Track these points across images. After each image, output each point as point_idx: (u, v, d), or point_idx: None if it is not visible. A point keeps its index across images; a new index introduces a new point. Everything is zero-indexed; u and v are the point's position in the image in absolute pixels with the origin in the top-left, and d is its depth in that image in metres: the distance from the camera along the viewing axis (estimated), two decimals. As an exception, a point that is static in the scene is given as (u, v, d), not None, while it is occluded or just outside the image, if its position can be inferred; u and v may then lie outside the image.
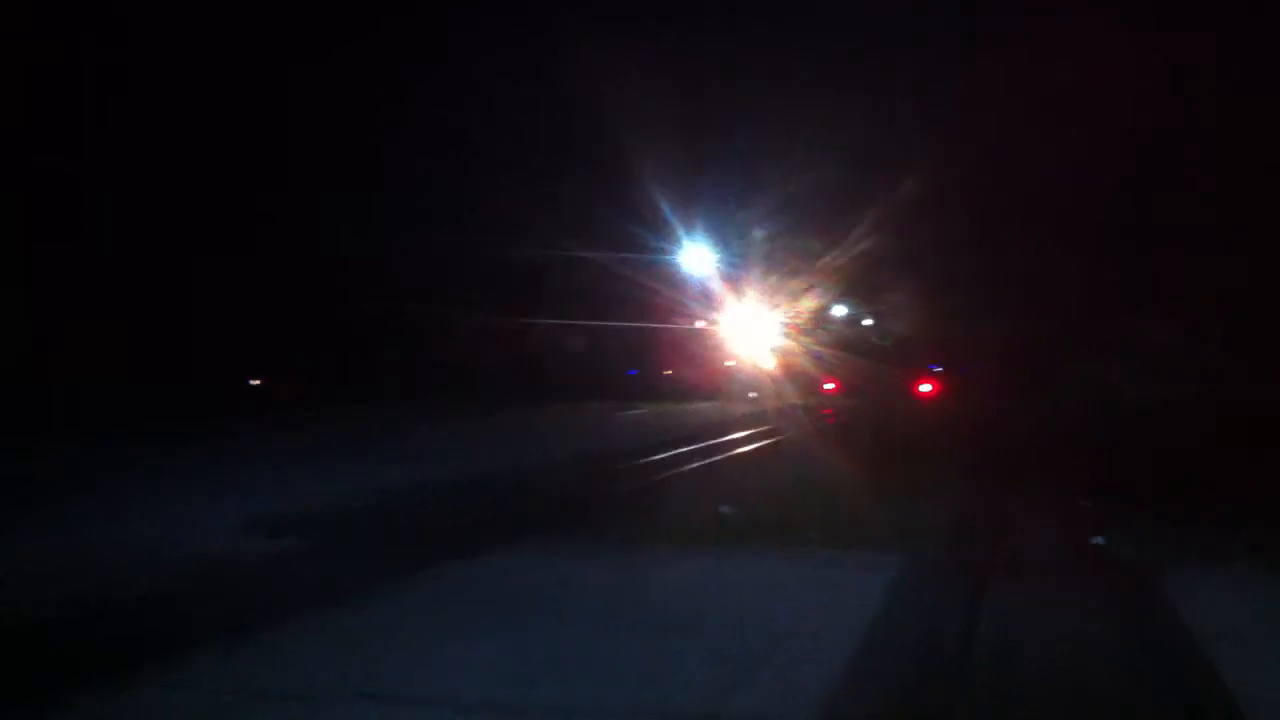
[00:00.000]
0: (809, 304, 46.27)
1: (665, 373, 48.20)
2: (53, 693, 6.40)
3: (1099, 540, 11.54)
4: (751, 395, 43.06)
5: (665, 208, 35.01)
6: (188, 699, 6.28)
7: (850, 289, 50.74)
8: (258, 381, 41.23)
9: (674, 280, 39.56)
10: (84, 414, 28.24)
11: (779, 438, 27.22)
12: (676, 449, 22.86)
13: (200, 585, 9.97)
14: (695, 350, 44.76)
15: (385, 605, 8.63)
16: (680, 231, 37.01)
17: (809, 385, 47.10)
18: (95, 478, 18.76)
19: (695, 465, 20.55)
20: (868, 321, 59.16)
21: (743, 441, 25.89)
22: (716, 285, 40.80)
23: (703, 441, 24.74)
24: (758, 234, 38.05)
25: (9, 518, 14.23)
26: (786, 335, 46.21)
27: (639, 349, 46.49)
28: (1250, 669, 6.65)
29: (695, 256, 39.47)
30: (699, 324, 43.14)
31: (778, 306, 44.21)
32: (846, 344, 52.73)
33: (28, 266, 28.25)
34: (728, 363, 44.63)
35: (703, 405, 39.90)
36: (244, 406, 35.02)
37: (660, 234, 36.55)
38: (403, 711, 5.99)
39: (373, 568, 10.39)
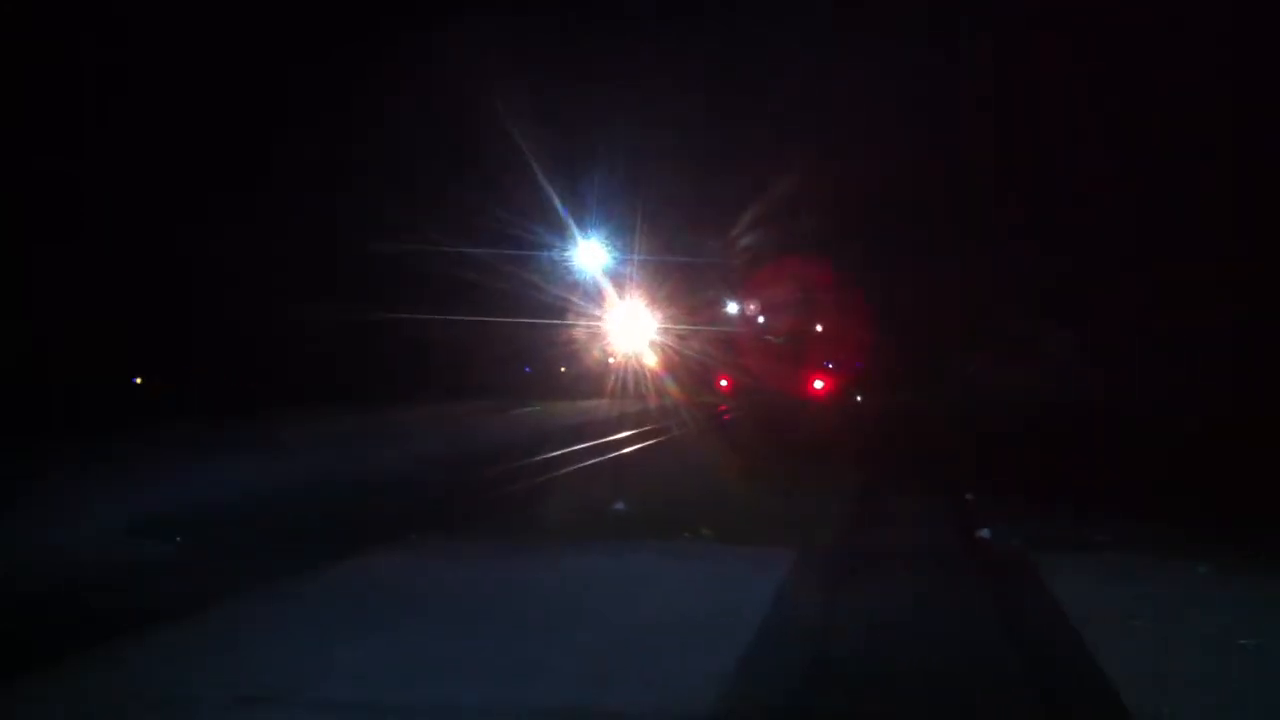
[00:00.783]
0: (701, 301, 46.48)
1: (560, 370, 47.77)
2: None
3: (984, 533, 11.70)
4: (644, 393, 42.97)
5: (555, 205, 34.72)
6: (69, 699, 6.08)
7: (742, 286, 51.20)
8: (139, 380, 39.78)
9: (564, 278, 39.27)
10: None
11: (672, 434, 27.18)
12: (567, 446, 22.61)
13: (73, 587, 9.62)
14: (587, 348, 44.46)
15: (259, 607, 8.33)
16: (572, 228, 36.79)
17: (703, 382, 47.29)
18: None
19: (587, 463, 20.33)
20: (760, 319, 59.79)
21: (635, 439, 25.76)
22: (607, 283, 40.64)
23: (595, 439, 24.53)
24: (646, 232, 37.88)
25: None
26: (678, 333, 46.39)
27: (530, 347, 45.98)
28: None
29: (587, 253, 39.22)
30: (590, 322, 42.85)
31: (669, 304, 44.29)
32: (739, 341, 53.15)
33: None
34: (618, 360, 44.38)
35: (597, 403, 39.60)
36: (119, 406, 33.64)
37: (552, 230, 36.28)
38: (276, 713, 5.77)
39: (245, 569, 9.92)
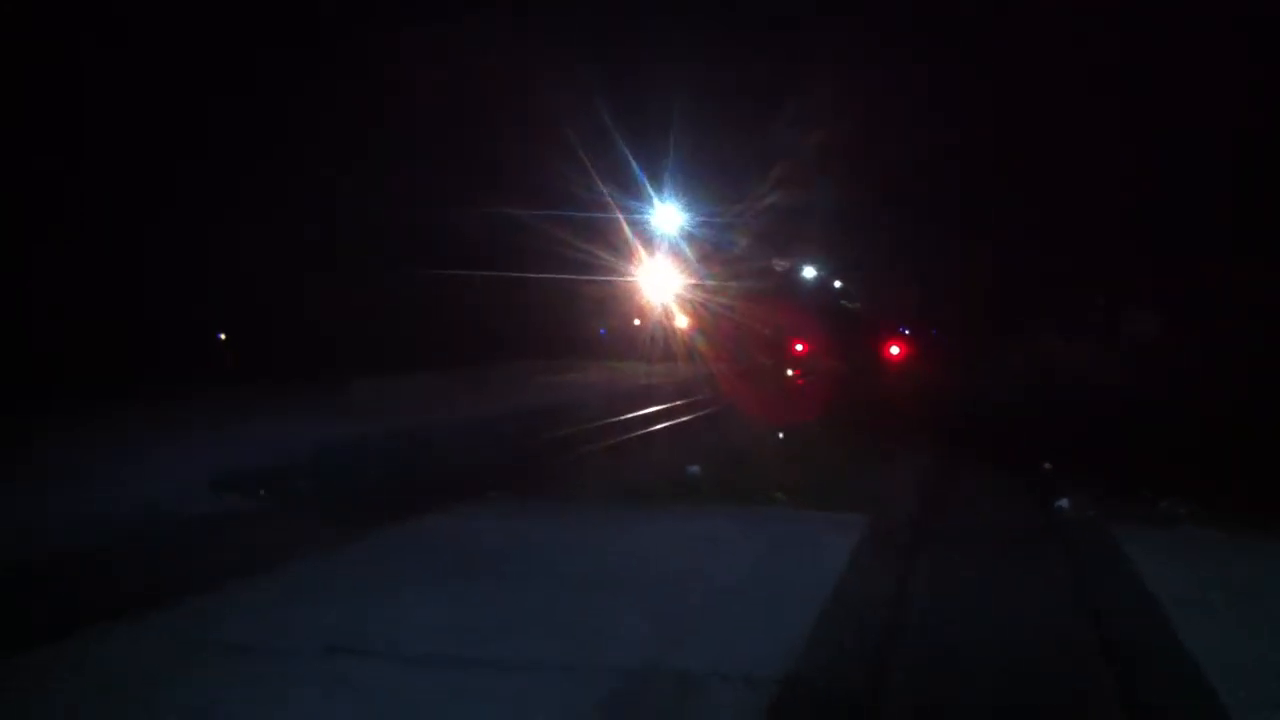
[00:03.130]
0: (775, 266, 46.05)
1: (631, 333, 47.60)
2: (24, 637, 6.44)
3: (1062, 504, 11.55)
4: (713, 356, 42.80)
5: (631, 167, 34.60)
6: (161, 647, 6.24)
7: (819, 251, 50.66)
8: (223, 336, 40.78)
9: (639, 241, 39.16)
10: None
11: (744, 398, 27.13)
12: (644, 409, 22.73)
13: (166, 539, 10.12)
14: (659, 312, 44.33)
15: (342, 560, 8.54)
16: (649, 192, 36.65)
17: (776, 347, 47.03)
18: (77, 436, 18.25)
19: (660, 426, 20.42)
20: (837, 284, 59.20)
21: (706, 403, 25.80)
22: (682, 247, 40.44)
23: (665, 402, 24.62)
24: (721, 197, 37.48)
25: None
26: (750, 297, 46.07)
27: (603, 310, 45.97)
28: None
29: (663, 217, 39.02)
30: (668, 284, 42.68)
31: (741, 268, 43.94)
32: (815, 307, 52.71)
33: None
34: (689, 323, 44.17)
35: (669, 366, 39.59)
36: (203, 364, 34.60)
37: (629, 194, 36.18)
38: (365, 664, 5.92)
39: (327, 522, 10.24)
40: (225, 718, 5.23)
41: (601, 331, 48.44)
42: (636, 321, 45.83)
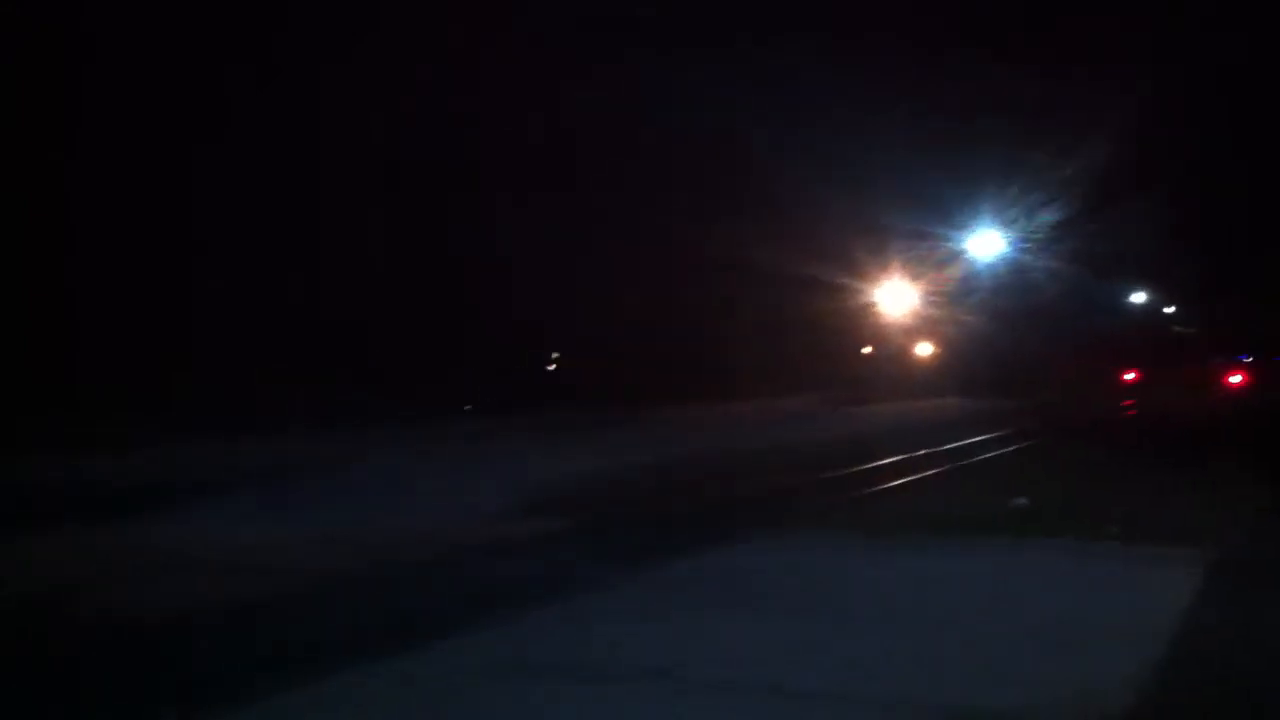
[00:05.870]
0: (1096, 290, 43.34)
1: (923, 363, 45.61)
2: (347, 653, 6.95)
3: None
4: (1027, 386, 40.52)
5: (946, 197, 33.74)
6: (476, 666, 6.53)
7: (1141, 274, 47.37)
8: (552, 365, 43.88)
9: (933, 272, 37.92)
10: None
11: (1074, 427, 25.66)
12: (948, 443, 21.87)
13: (474, 560, 11.01)
14: (967, 339, 42.43)
15: (646, 585, 8.91)
16: (964, 217, 35.59)
17: (1108, 375, 44.18)
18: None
19: (974, 460, 19.52)
20: (1168, 309, 55.08)
21: (1034, 434, 24.51)
22: (986, 272, 38.76)
23: (973, 436, 23.61)
24: (1047, 218, 35.32)
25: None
26: (1083, 326, 43.49)
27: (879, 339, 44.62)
28: None
29: (983, 242, 37.54)
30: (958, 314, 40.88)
31: (1077, 295, 41.50)
32: (1142, 332, 49.29)
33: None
34: (1000, 351, 41.95)
35: (977, 402, 37.50)
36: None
37: (940, 221, 35.30)
38: (675, 687, 6.00)
39: (631, 547, 10.77)
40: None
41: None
42: (928, 349, 44.23)
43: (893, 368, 43.69)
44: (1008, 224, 36.46)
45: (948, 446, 21.62)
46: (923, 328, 42.24)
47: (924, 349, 44.08)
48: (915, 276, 38.41)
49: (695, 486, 16.37)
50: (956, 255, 37.68)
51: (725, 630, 7.17)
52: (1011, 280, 39.21)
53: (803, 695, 5.84)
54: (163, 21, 26.96)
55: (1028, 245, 37.24)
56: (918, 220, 35.05)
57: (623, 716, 5.66)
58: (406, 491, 15.15)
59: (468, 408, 35.32)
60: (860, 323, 41.20)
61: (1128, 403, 38.76)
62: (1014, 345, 40.81)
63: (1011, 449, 21.89)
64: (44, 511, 13.70)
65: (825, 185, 34.54)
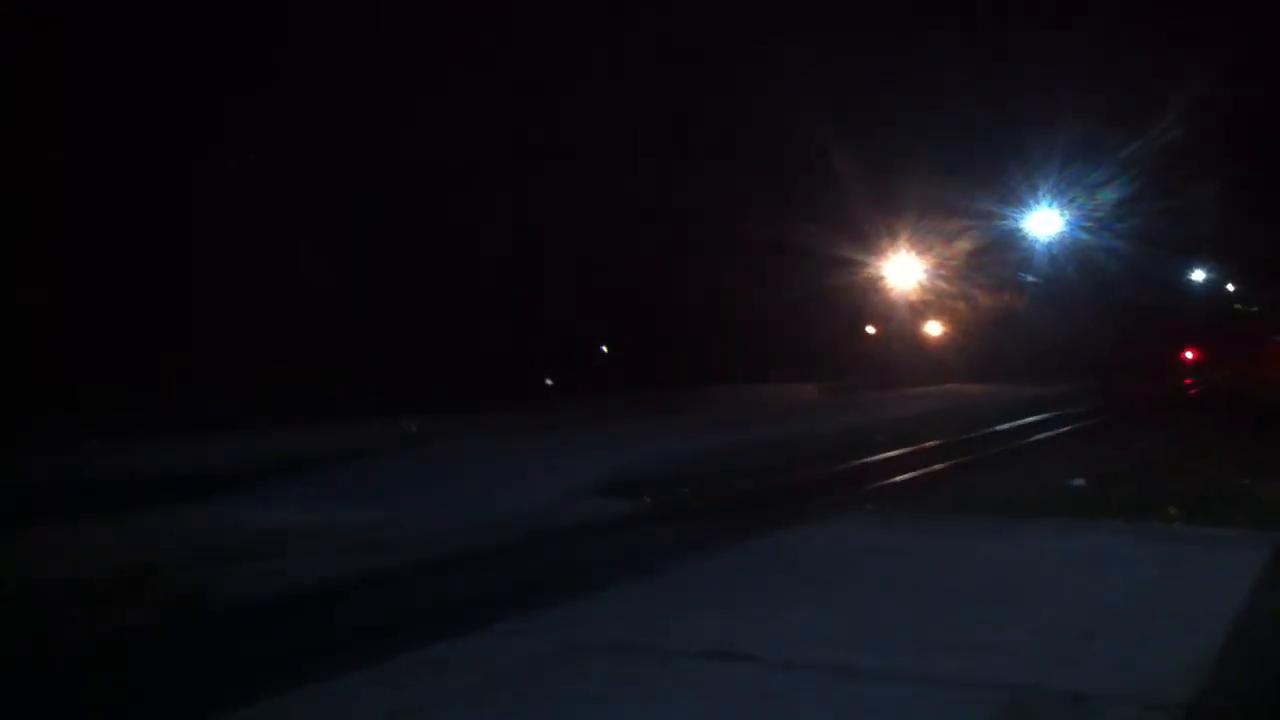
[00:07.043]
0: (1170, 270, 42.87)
1: (977, 345, 45.32)
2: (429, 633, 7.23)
3: None
4: (1089, 367, 40.22)
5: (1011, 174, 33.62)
6: (548, 645, 6.65)
7: (1213, 251, 46.67)
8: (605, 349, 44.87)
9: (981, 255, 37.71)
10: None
11: (1135, 409, 25.66)
12: (1003, 424, 22.10)
13: (552, 542, 11.50)
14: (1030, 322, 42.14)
15: (719, 565, 9.03)
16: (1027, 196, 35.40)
17: (1167, 356, 43.81)
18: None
19: (1030, 439, 19.73)
20: (1230, 287, 54.24)
21: (1089, 414, 24.56)
22: (1047, 255, 38.46)
23: (1048, 412, 23.72)
24: (1109, 195, 34.92)
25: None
26: (1146, 305, 42.95)
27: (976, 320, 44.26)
28: None
29: (1041, 221, 37.25)
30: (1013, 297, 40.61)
31: (1136, 274, 41.04)
32: (1207, 311, 48.68)
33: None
34: (1061, 335, 41.58)
35: (1049, 386, 37.07)
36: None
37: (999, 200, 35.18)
38: (748, 669, 6.06)
39: (706, 528, 11.15)
40: (615, 715, 5.50)
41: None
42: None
43: (942, 352, 43.54)
44: (1068, 203, 36.22)
45: (1003, 427, 21.98)
46: (970, 311, 42.11)
47: (972, 332, 43.79)
48: (970, 263, 38.30)
49: (787, 468, 16.86)
50: (1015, 236, 37.52)
51: (791, 609, 7.20)
52: (1071, 260, 38.92)
53: (865, 673, 5.86)
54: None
55: (1088, 224, 36.94)
56: (978, 199, 34.99)
57: (684, 693, 5.67)
58: (485, 477, 15.62)
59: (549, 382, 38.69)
60: (908, 306, 41.18)
61: (1188, 381, 38.47)
62: (1074, 327, 40.50)
63: (1073, 428, 22.14)
64: (135, 496, 14.57)
65: (886, 169, 34.75)
